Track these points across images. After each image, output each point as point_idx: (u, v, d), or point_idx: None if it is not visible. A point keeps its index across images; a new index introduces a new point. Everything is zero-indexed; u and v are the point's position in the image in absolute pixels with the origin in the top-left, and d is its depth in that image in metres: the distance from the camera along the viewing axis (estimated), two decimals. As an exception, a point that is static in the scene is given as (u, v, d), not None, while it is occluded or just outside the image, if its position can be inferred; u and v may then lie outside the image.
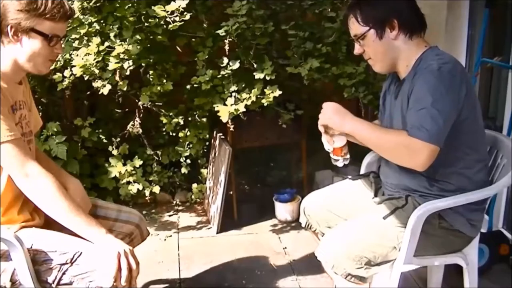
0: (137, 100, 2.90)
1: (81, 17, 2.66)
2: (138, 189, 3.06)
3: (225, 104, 2.74)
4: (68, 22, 1.66)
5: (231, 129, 2.82)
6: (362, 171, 2.20)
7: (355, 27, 1.77)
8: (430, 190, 1.78)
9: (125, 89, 2.74)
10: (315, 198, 2.11)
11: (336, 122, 1.74)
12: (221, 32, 2.68)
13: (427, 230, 1.74)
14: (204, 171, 3.39)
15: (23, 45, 1.57)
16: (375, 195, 1.98)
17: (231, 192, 3.20)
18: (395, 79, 1.86)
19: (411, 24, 1.75)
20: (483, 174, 1.83)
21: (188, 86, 2.92)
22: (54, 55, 1.64)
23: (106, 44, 2.64)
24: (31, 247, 1.58)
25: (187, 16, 2.56)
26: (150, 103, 2.86)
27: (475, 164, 1.79)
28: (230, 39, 2.70)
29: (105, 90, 2.68)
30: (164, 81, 2.84)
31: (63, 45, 1.80)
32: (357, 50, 1.82)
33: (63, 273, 1.57)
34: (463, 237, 1.82)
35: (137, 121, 2.96)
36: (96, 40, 2.63)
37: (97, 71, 2.65)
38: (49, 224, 1.69)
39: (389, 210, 1.78)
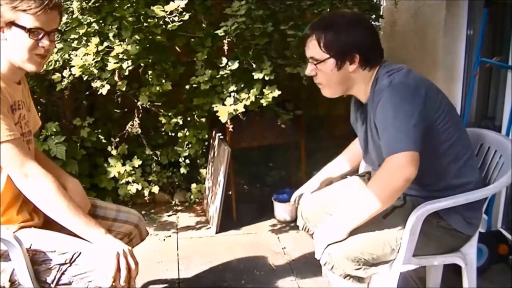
0: (136, 100, 2.90)
1: (80, 17, 2.66)
2: (137, 189, 3.06)
3: (224, 104, 2.74)
4: (54, 14, 1.58)
5: (230, 129, 2.82)
6: (361, 170, 2.21)
7: (315, 50, 1.75)
8: (426, 191, 1.78)
9: (124, 89, 2.73)
10: (312, 200, 2.11)
11: (339, 235, 1.73)
12: (220, 32, 2.68)
13: (425, 229, 1.74)
14: (203, 171, 3.39)
15: (8, 40, 1.55)
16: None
17: (230, 192, 3.20)
18: (357, 103, 1.88)
19: (371, 59, 1.76)
20: (469, 166, 1.82)
21: (187, 86, 2.92)
22: (41, 50, 1.58)
23: (105, 44, 2.63)
24: (30, 247, 1.58)
25: (186, 16, 2.56)
26: (149, 103, 2.86)
27: (458, 160, 1.78)
28: (229, 39, 2.70)
29: (104, 90, 2.68)
30: (163, 81, 2.84)
31: (57, 41, 1.74)
32: (309, 71, 1.80)
33: (62, 273, 1.57)
34: (461, 236, 1.82)
35: (136, 121, 2.96)
36: (95, 40, 2.62)
37: (96, 71, 2.64)
38: (48, 224, 1.69)
39: (387, 210, 1.78)
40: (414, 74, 1.73)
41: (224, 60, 2.75)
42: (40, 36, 1.56)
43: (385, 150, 1.64)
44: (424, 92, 1.67)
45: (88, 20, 2.67)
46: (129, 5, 2.63)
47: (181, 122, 3.04)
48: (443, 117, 1.71)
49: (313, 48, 1.75)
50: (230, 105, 2.71)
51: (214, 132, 3.31)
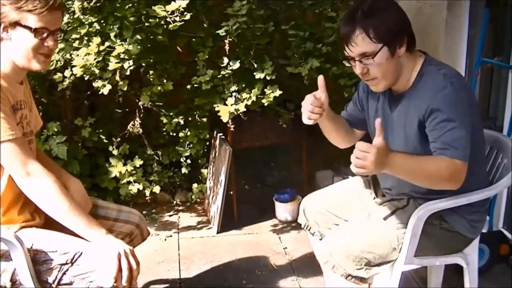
0: (137, 100, 2.90)
1: (82, 17, 2.66)
2: (138, 189, 3.06)
3: (225, 104, 2.75)
4: (58, 14, 1.59)
5: (231, 129, 2.82)
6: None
7: (365, 44, 1.60)
8: (434, 194, 1.78)
9: (125, 89, 2.73)
10: (315, 199, 2.11)
11: (374, 169, 1.52)
12: (221, 32, 2.69)
13: (428, 230, 1.74)
14: (204, 171, 3.39)
15: (13, 40, 1.56)
16: (376, 196, 1.98)
17: (231, 192, 3.20)
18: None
19: (413, 39, 1.69)
20: (483, 174, 1.84)
21: (188, 86, 2.92)
22: (45, 49, 1.59)
23: (107, 44, 2.64)
24: (31, 247, 1.58)
25: (187, 16, 2.56)
26: (150, 103, 2.86)
27: (474, 167, 1.78)
28: (230, 39, 2.70)
29: (105, 90, 2.68)
30: (164, 81, 2.84)
31: (59, 40, 1.76)
32: (359, 69, 1.65)
33: (64, 273, 1.57)
34: (464, 239, 1.82)
35: (137, 121, 2.96)
36: (97, 40, 2.63)
37: (97, 71, 2.65)
38: (50, 224, 1.68)
39: (389, 211, 1.78)
40: (465, 80, 1.76)
41: (226, 60, 2.75)
42: (45, 35, 1.57)
43: (447, 142, 1.58)
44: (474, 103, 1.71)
45: (90, 20, 2.67)
46: (130, 5, 2.63)
47: (182, 122, 3.04)
48: (475, 127, 1.70)
49: (362, 43, 1.60)
50: (231, 105, 2.71)
51: (215, 132, 3.31)
